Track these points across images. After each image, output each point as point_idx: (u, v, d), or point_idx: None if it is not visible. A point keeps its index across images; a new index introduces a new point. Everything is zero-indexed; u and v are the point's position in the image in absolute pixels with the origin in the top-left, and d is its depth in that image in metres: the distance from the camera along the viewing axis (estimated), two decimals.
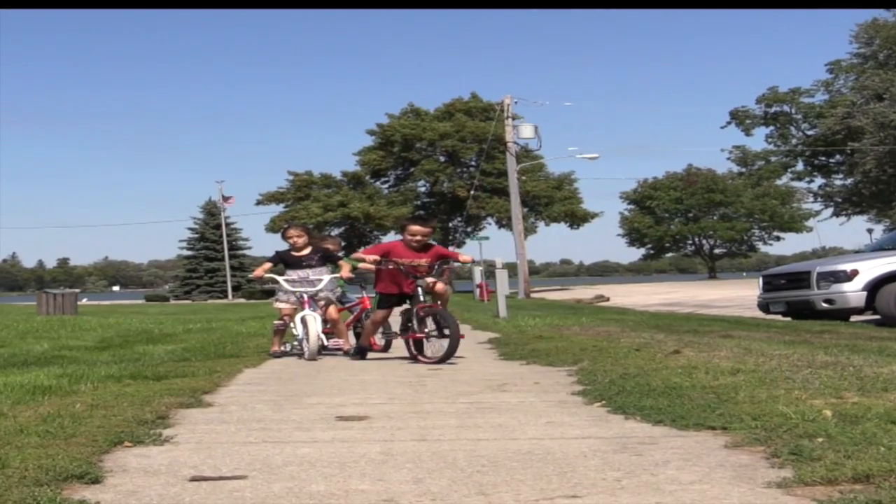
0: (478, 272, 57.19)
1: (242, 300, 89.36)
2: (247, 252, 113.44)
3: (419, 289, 13.47)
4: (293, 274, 15.06)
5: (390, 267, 13.57)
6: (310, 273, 15.02)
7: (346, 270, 15.14)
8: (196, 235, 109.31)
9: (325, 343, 14.80)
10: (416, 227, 13.73)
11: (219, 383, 10.24)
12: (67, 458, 5.49)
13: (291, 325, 14.93)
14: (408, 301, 13.74)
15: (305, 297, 14.80)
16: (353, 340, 15.07)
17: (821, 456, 5.14)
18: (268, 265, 15.20)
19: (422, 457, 5.74)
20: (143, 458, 5.80)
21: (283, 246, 15.10)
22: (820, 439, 5.57)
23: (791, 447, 5.43)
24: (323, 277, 15.02)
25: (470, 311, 34.02)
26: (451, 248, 16.05)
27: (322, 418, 7.55)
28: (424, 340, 13.41)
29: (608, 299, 52.36)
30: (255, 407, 8.33)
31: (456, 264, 15.32)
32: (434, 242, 14.34)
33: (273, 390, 9.72)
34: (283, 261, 15.22)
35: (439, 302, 13.68)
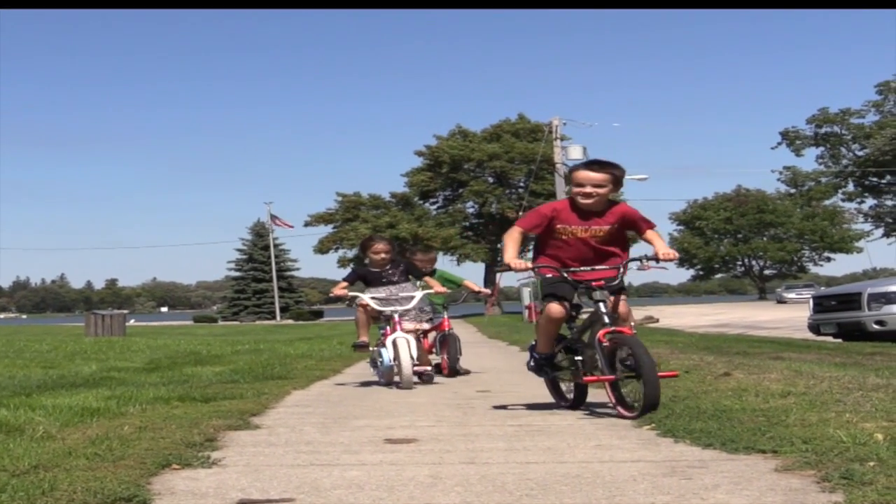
0: (526, 293, 57.19)
1: (290, 321, 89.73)
2: (295, 273, 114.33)
3: (601, 301, 8.88)
4: (377, 292, 13.59)
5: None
6: (394, 289, 13.65)
7: (437, 286, 14.05)
8: (244, 256, 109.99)
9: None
10: (583, 174, 9.08)
11: (266, 405, 10.26)
12: (115, 480, 5.50)
13: (375, 349, 13.47)
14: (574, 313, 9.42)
15: (397, 317, 13.24)
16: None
17: (872, 480, 5.08)
18: (344, 284, 13.74)
19: (470, 480, 5.71)
20: (191, 481, 5.80)
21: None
22: (871, 463, 5.51)
23: (842, 471, 5.38)
24: (414, 294, 13.60)
25: (519, 332, 34.06)
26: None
27: (370, 441, 7.53)
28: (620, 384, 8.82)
29: (658, 320, 52.16)
30: (303, 429, 8.33)
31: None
32: (618, 200, 10.08)
33: (321, 412, 9.72)
34: (362, 278, 13.90)
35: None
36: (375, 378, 13.64)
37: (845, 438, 6.34)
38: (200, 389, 11.80)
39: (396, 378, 12.85)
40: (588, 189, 8.98)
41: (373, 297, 13.46)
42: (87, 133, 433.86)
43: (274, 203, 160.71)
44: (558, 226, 9.12)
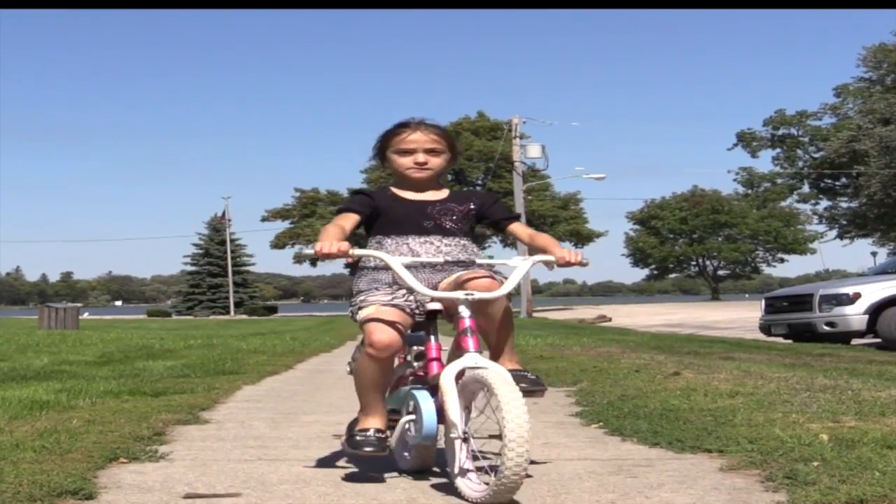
0: None
1: (244, 316, 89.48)
2: (251, 269, 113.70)
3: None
4: None
5: None
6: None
7: None
8: (200, 251, 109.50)
9: None
10: None
11: (217, 400, 10.25)
12: (62, 473, 5.49)
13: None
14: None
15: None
16: None
17: (815, 480, 5.13)
18: None
19: (417, 477, 5.73)
20: (138, 475, 5.80)
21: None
22: (815, 463, 5.57)
23: (786, 471, 5.43)
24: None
25: None
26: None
27: (318, 436, 7.55)
28: None
29: (610, 319, 52.33)
30: (252, 424, 8.34)
31: None
32: None
33: (271, 407, 9.73)
34: None
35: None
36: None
37: (791, 439, 6.40)
38: (151, 383, 11.77)
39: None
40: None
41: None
42: (43, 125, 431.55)
43: (232, 198, 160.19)
44: None
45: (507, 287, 5.67)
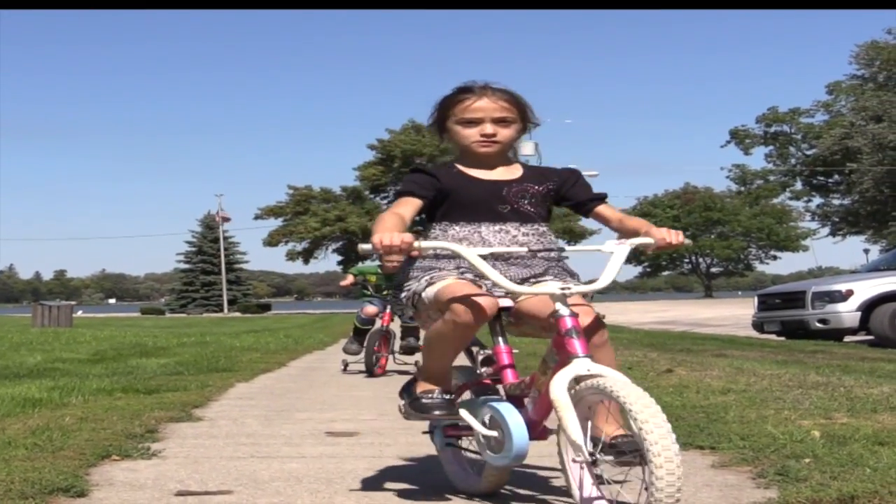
0: None
1: (238, 314, 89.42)
2: (244, 266, 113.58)
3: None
4: None
5: None
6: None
7: None
8: (193, 249, 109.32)
9: None
10: None
11: (210, 397, 10.25)
12: (54, 471, 5.49)
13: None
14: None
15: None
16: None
17: (807, 476, 5.14)
18: None
19: (408, 473, 5.75)
20: (130, 472, 5.80)
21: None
22: (807, 460, 5.57)
23: (777, 467, 5.44)
24: None
25: None
26: None
27: (311, 434, 7.56)
28: None
29: (604, 317, 51.99)
30: (245, 422, 8.34)
31: None
32: None
33: (264, 405, 9.73)
34: None
35: None
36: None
37: (782, 435, 6.41)
38: (144, 381, 11.77)
39: None
40: None
41: None
42: (38, 123, 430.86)
43: (225, 195, 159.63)
44: None
45: (609, 276, 4.94)
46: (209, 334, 29.01)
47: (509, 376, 4.94)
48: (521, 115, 5.17)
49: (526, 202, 5.14)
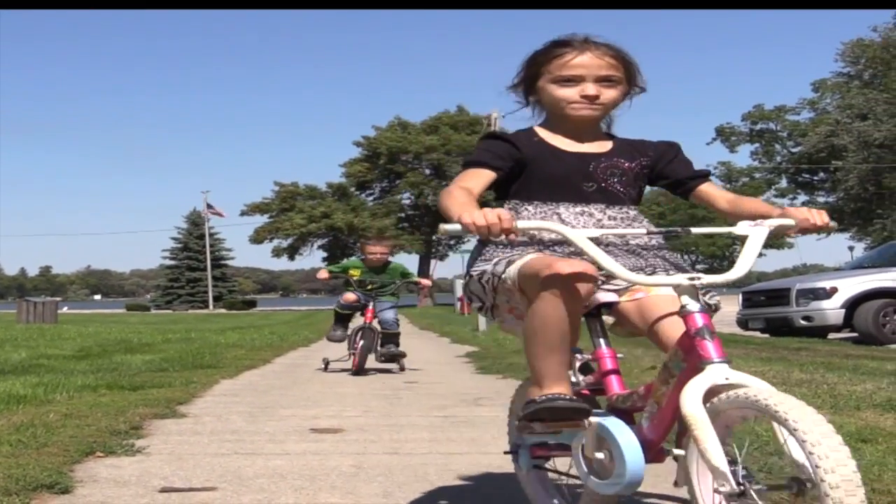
0: (459, 285, 57.23)
1: (223, 310, 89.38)
2: (230, 262, 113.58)
3: None
4: None
5: None
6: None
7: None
8: (179, 245, 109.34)
9: None
10: None
11: (194, 394, 10.25)
12: (38, 467, 5.49)
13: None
14: None
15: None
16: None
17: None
18: None
19: (393, 470, 5.75)
20: (114, 469, 5.80)
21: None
22: None
23: (760, 464, 5.45)
24: None
25: (450, 324, 34.13)
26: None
27: (296, 430, 7.56)
28: None
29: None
30: (230, 418, 8.34)
31: None
32: None
33: (248, 401, 9.72)
34: None
35: None
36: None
37: (765, 432, 6.40)
38: (129, 377, 11.75)
39: None
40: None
41: None
42: (22, 118, 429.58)
43: (211, 192, 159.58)
44: None
45: (746, 264, 3.85)
46: (194, 331, 28.97)
47: (615, 385, 4.08)
48: (628, 76, 4.29)
49: (615, 180, 4.27)
